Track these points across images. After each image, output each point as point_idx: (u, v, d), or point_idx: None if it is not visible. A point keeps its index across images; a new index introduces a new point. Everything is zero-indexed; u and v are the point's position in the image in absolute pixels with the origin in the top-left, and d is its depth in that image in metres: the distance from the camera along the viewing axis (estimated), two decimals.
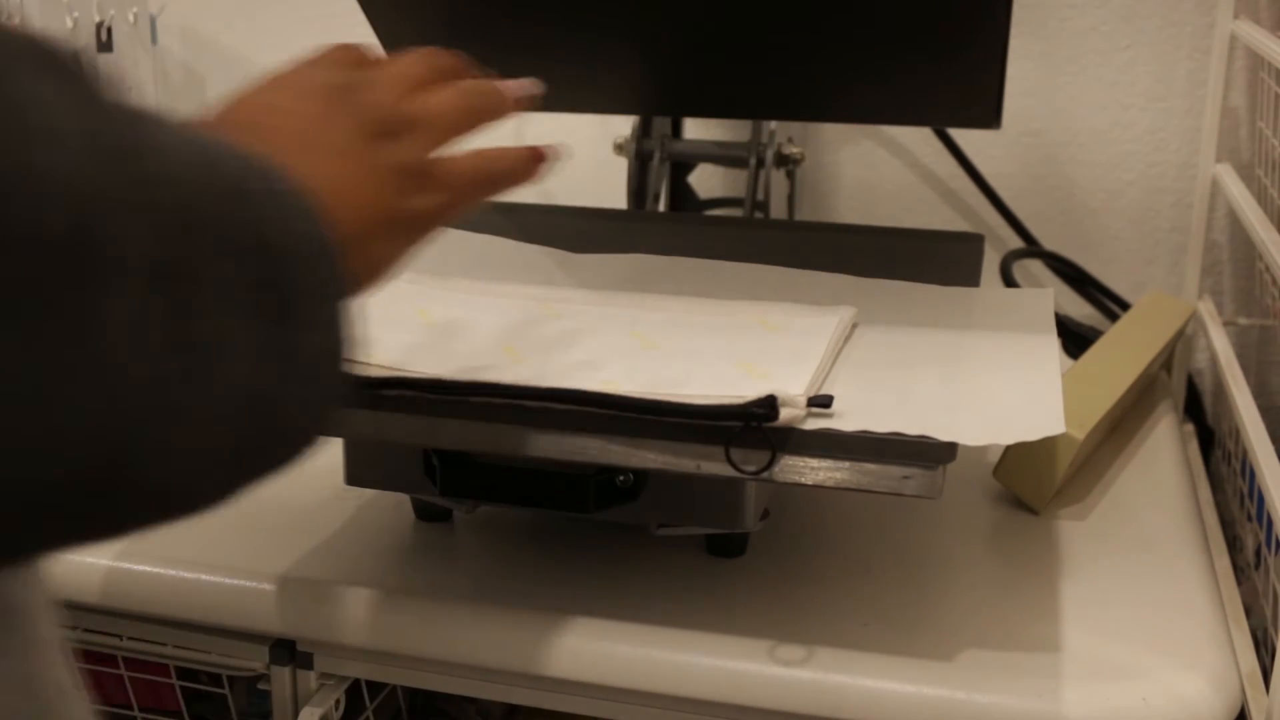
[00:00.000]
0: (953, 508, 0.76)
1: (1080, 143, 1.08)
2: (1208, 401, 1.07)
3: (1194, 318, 0.98)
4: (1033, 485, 0.75)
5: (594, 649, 0.63)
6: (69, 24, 1.08)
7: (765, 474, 0.55)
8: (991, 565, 0.70)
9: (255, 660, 0.69)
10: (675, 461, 0.56)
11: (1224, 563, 0.79)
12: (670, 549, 0.70)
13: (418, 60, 0.50)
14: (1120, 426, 0.88)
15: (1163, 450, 0.84)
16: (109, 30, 1.11)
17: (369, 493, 0.77)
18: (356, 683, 0.69)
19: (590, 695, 0.64)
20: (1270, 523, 0.74)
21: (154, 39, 1.16)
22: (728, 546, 0.70)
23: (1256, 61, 1.01)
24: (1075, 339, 1.00)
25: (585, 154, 1.19)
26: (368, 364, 0.60)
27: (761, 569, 0.69)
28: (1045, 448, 0.74)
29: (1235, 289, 1.08)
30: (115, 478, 0.31)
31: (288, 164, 0.37)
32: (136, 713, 0.76)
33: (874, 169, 1.13)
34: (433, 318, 0.67)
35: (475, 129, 0.50)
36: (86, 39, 1.10)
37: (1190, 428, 1.03)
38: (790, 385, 0.57)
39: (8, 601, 0.38)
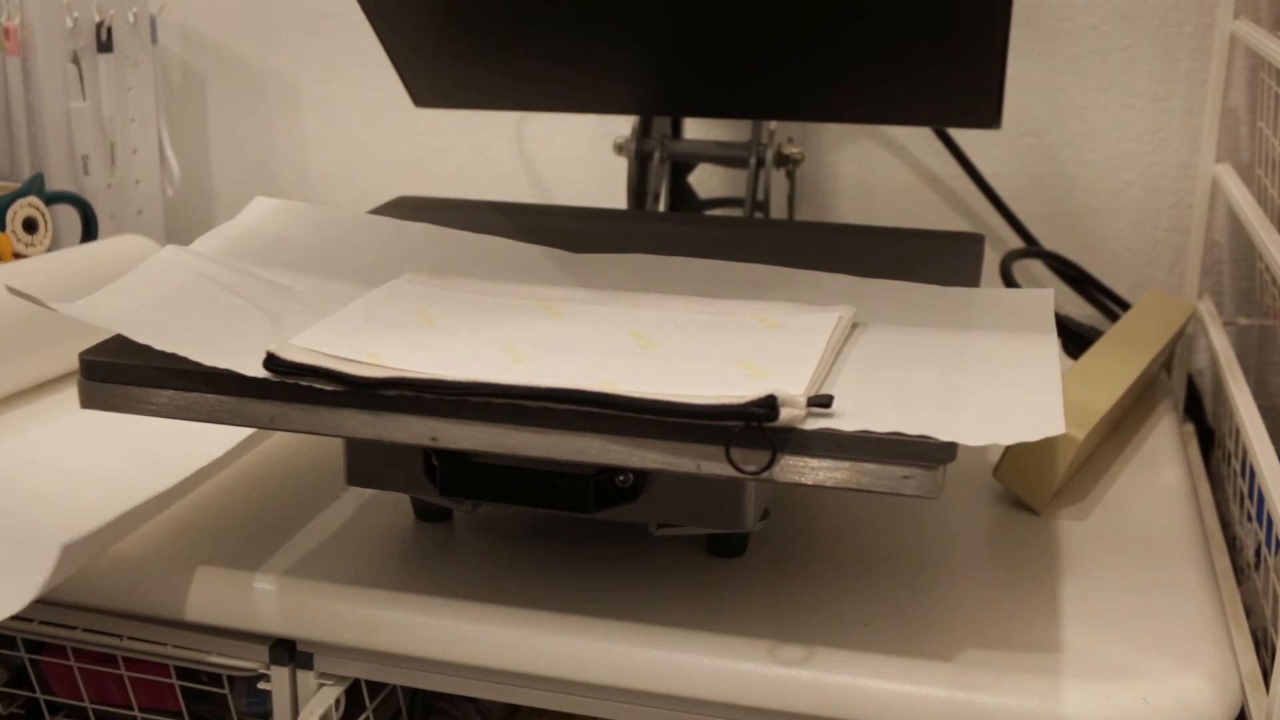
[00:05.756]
0: (953, 508, 0.76)
1: (1080, 143, 1.08)
2: (1208, 401, 1.07)
3: (1194, 318, 0.98)
4: (1033, 485, 0.75)
5: (594, 649, 0.63)
6: (69, 24, 1.08)
7: (765, 474, 0.55)
8: (991, 565, 0.70)
9: (255, 660, 0.69)
10: (675, 461, 0.56)
11: (1224, 563, 0.79)
12: (670, 549, 0.70)
13: None
14: (1120, 426, 0.88)
15: (1163, 450, 0.84)
16: (109, 30, 1.11)
17: (369, 493, 0.77)
18: (356, 683, 0.69)
19: (590, 695, 0.64)
20: (1270, 523, 0.74)
21: (154, 39, 1.16)
22: (728, 546, 0.70)
23: (1256, 61, 1.01)
24: (1075, 339, 1.00)
25: (585, 154, 1.19)
26: (368, 364, 0.60)
27: (761, 569, 0.69)
28: (1045, 448, 0.74)
29: (1235, 289, 1.08)
30: None
31: None
32: (136, 713, 0.76)
33: (874, 169, 1.13)
34: (432, 318, 0.67)
35: None
36: (86, 39, 1.10)
37: (1190, 428, 1.03)
38: (790, 385, 0.57)
39: None
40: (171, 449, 0.75)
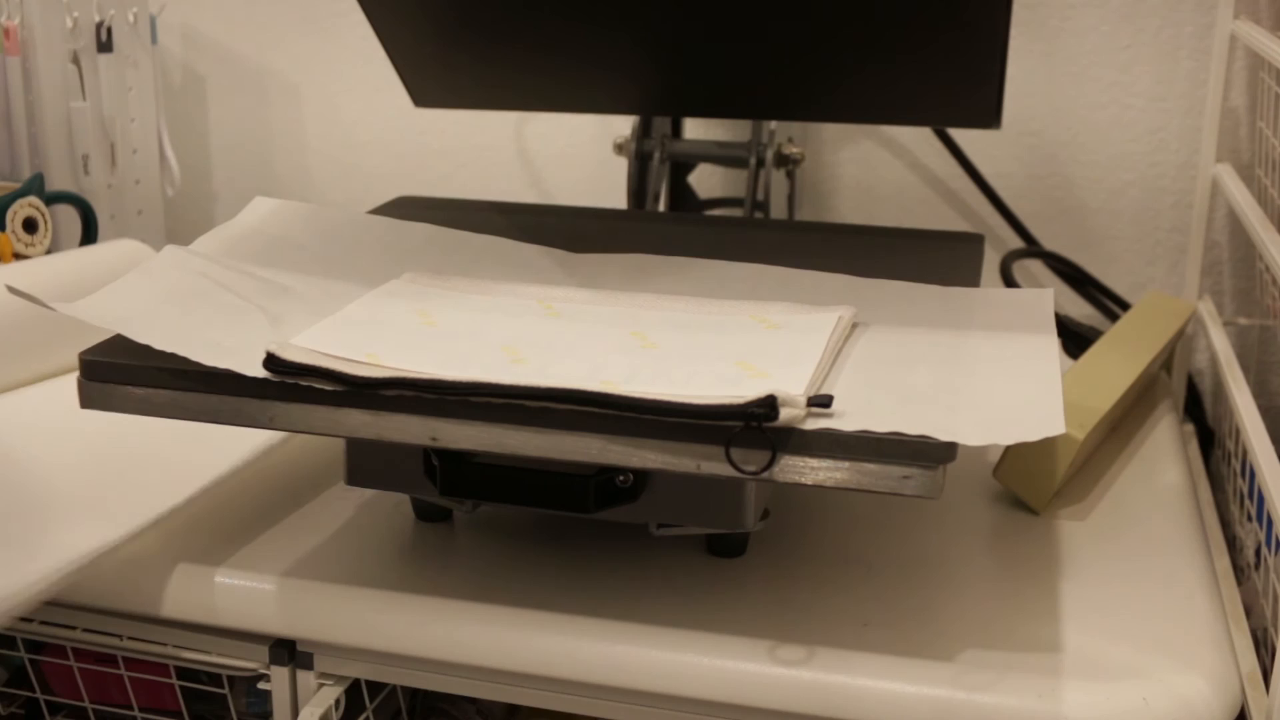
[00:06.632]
0: (953, 508, 0.76)
1: (1080, 143, 1.08)
2: (1208, 401, 1.07)
3: (1194, 318, 0.98)
4: (1033, 485, 0.75)
5: (594, 649, 0.63)
6: (69, 24, 1.08)
7: (765, 474, 0.55)
8: (991, 565, 0.70)
9: (255, 660, 0.69)
10: (675, 461, 0.56)
11: (1224, 563, 0.79)
12: (670, 549, 0.70)
13: None
14: (1120, 426, 0.88)
15: (1163, 450, 0.84)
16: (109, 30, 1.11)
17: (369, 493, 0.77)
18: (356, 683, 0.69)
19: (590, 695, 0.64)
20: (1270, 523, 0.74)
21: (154, 39, 1.16)
22: (728, 546, 0.70)
23: (1256, 61, 1.01)
24: (1075, 339, 1.00)
25: (585, 154, 1.19)
26: (368, 364, 0.60)
27: (761, 569, 0.69)
28: (1045, 448, 0.74)
29: (1235, 289, 1.08)
30: None
31: None
32: (136, 713, 0.76)
33: (874, 169, 1.13)
34: (433, 318, 0.67)
35: None
36: (86, 39, 1.10)
37: (1190, 428, 1.03)
38: (790, 385, 0.57)
39: None
40: (180, 451, 0.75)
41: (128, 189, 1.15)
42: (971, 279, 0.75)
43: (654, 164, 1.02)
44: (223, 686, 0.72)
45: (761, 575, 0.68)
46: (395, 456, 0.66)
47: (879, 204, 1.13)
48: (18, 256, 0.96)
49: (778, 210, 1.03)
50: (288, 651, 0.68)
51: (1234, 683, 0.60)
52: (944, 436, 0.53)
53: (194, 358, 0.59)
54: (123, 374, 0.62)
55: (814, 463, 0.55)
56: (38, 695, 0.78)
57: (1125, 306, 1.08)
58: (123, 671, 0.73)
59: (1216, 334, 0.92)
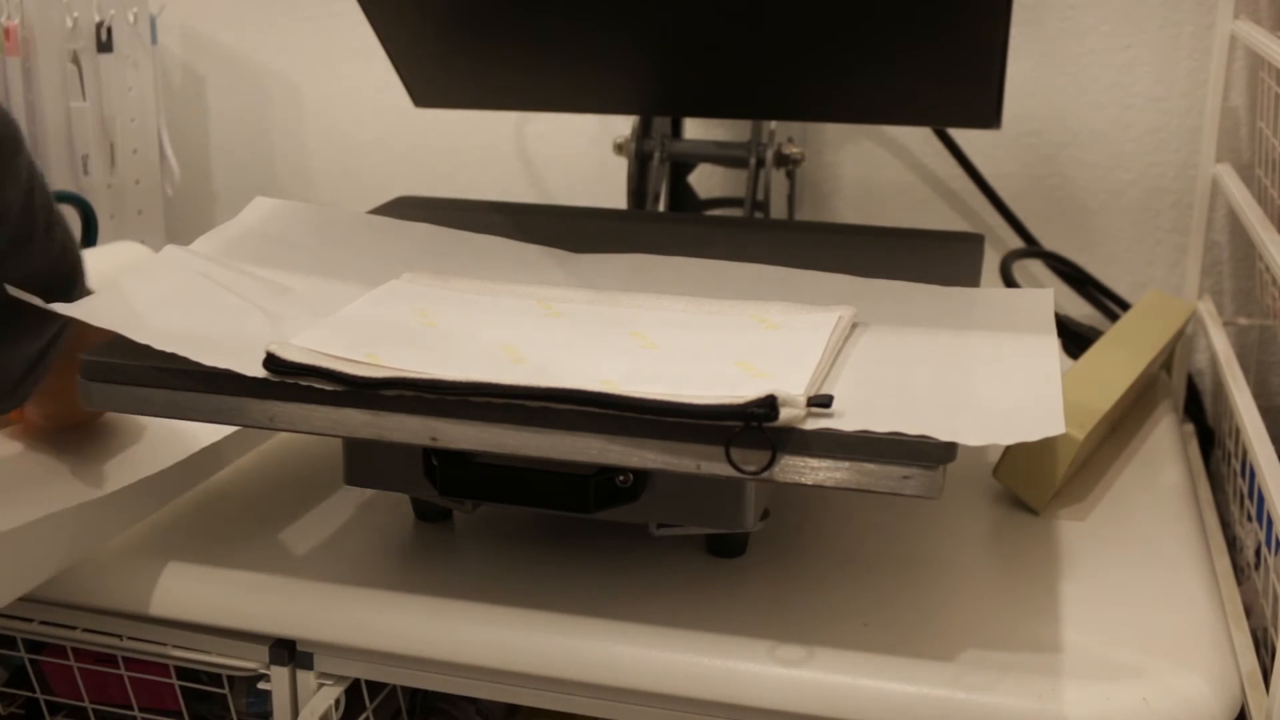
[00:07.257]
0: (953, 508, 0.76)
1: (1080, 143, 1.08)
2: (1208, 401, 1.07)
3: (1194, 318, 0.98)
4: (1033, 485, 0.75)
5: (594, 649, 0.63)
6: (69, 24, 1.08)
7: (765, 474, 0.55)
8: (991, 565, 0.70)
9: (255, 660, 0.69)
10: (675, 461, 0.56)
11: (1224, 563, 0.79)
12: (670, 549, 0.70)
13: None
14: (1120, 426, 0.88)
15: (1163, 450, 0.84)
16: (109, 30, 1.11)
17: (369, 493, 0.77)
18: (356, 683, 0.69)
19: (590, 695, 0.64)
20: (1270, 523, 0.74)
21: (154, 39, 1.16)
22: (728, 546, 0.70)
23: (1256, 61, 1.01)
24: (1075, 339, 1.00)
25: (585, 154, 1.19)
26: (368, 364, 0.60)
27: (761, 569, 0.69)
28: (1045, 448, 0.74)
29: (1235, 289, 1.08)
30: None
31: None
32: (136, 713, 0.76)
33: (874, 169, 1.13)
34: (432, 318, 0.67)
35: None
36: (86, 39, 1.10)
37: (1190, 428, 1.03)
38: (790, 385, 0.57)
39: None
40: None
41: (128, 189, 1.15)
42: (971, 279, 0.75)
43: (654, 164, 1.02)
44: (223, 686, 0.72)
45: (761, 575, 0.68)
46: (395, 456, 0.66)
47: (879, 204, 1.13)
48: None
49: (778, 210, 1.03)
50: (288, 651, 0.68)
51: (1234, 683, 0.60)
52: (944, 436, 0.53)
53: (194, 358, 0.59)
54: (123, 374, 0.62)
55: (814, 463, 0.55)
56: (38, 695, 0.78)
57: (1125, 306, 1.08)
58: (123, 671, 0.73)
59: (1216, 334, 0.92)
